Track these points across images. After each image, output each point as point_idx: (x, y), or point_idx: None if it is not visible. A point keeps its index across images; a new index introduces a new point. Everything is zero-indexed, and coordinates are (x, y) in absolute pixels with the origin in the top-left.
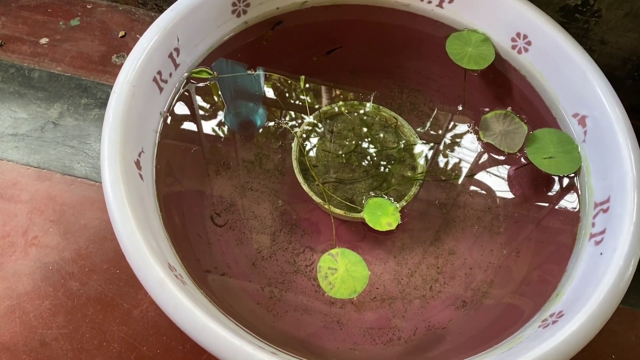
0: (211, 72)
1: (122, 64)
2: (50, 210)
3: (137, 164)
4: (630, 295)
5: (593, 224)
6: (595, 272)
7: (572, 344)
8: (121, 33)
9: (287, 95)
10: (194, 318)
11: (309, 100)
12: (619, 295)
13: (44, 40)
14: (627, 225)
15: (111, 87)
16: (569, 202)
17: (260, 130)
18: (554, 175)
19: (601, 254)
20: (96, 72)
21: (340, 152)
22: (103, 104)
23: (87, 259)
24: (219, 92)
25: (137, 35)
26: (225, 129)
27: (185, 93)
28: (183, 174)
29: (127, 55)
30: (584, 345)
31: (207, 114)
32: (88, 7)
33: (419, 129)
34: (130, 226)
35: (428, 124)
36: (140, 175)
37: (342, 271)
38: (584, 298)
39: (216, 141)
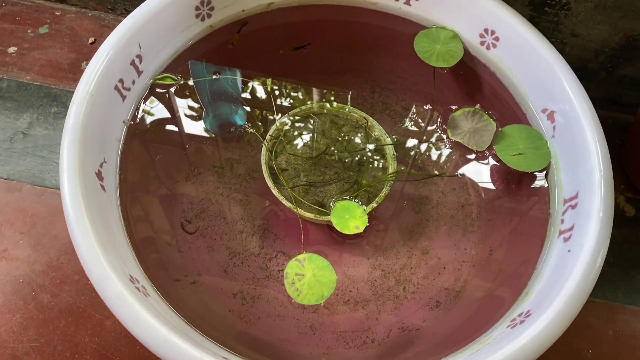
0: (175, 78)
1: None
2: (20, 222)
3: (99, 174)
4: (607, 289)
5: (562, 221)
6: (563, 269)
7: (538, 344)
8: (91, 39)
9: (256, 97)
10: (154, 331)
11: (280, 102)
12: (585, 293)
13: (12, 49)
14: (594, 221)
15: None
16: (539, 198)
17: (242, 128)
18: (524, 171)
19: (569, 251)
20: (66, 80)
21: (310, 155)
22: None
23: (59, 271)
24: (195, 96)
25: None
26: (198, 132)
27: (150, 100)
28: (150, 183)
29: None
30: (551, 344)
31: (173, 120)
32: (57, 14)
33: (390, 129)
34: (89, 239)
35: (400, 125)
36: (102, 187)
37: (309, 277)
38: (551, 297)
39: (184, 147)
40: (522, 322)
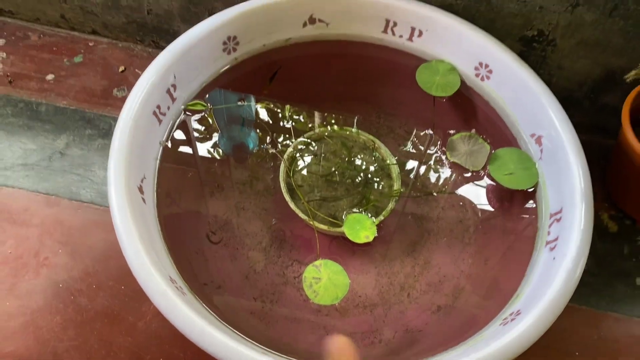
0: (205, 105)
1: (122, 97)
2: (58, 233)
3: (140, 189)
4: (592, 297)
5: (549, 233)
6: (548, 275)
7: (526, 338)
8: (121, 68)
9: (275, 121)
10: (194, 323)
11: (296, 126)
12: (568, 294)
13: (49, 77)
14: (576, 233)
15: (113, 118)
16: (529, 213)
17: (254, 151)
18: (515, 189)
19: (554, 258)
20: (99, 105)
21: (323, 173)
22: (106, 134)
23: (94, 277)
24: (214, 119)
25: (136, 70)
26: (220, 153)
27: (183, 123)
28: (181, 197)
29: (127, 88)
30: (537, 338)
31: (202, 142)
32: (90, 44)
33: (395, 151)
34: (135, 245)
35: (404, 147)
36: (143, 199)
37: (325, 280)
38: (538, 298)
39: (210, 166)
40: (512, 319)
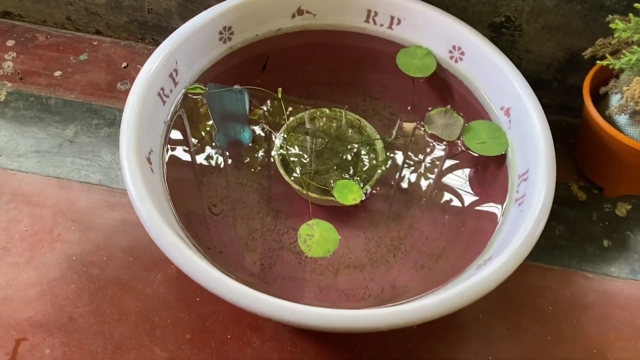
0: (204, 88)
1: (126, 90)
2: (71, 212)
3: (149, 160)
4: (564, 258)
5: (517, 191)
6: (517, 225)
7: (494, 278)
8: (124, 64)
9: (269, 105)
10: (202, 268)
11: (288, 108)
12: (533, 241)
13: (57, 73)
14: (539, 189)
15: (117, 109)
16: (500, 176)
17: (249, 144)
18: (487, 156)
19: (522, 211)
20: (104, 97)
21: (315, 149)
22: (111, 123)
23: (105, 250)
24: (211, 118)
25: (138, 65)
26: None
27: (185, 105)
28: (184, 173)
29: (130, 82)
30: (505, 278)
31: (201, 124)
32: (94, 43)
33: (380, 129)
34: (146, 203)
35: (387, 124)
36: (152, 169)
37: (317, 236)
38: (507, 245)
39: (210, 145)
40: (485, 264)
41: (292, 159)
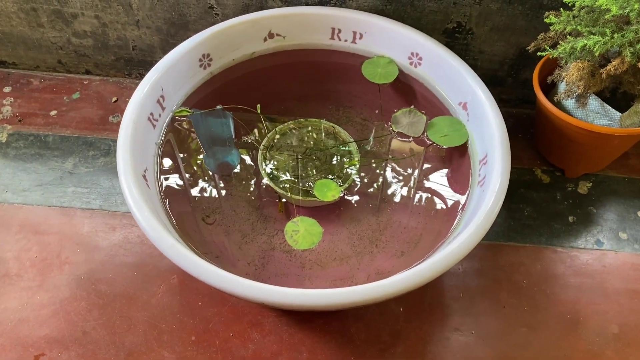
0: (189, 110)
1: (117, 122)
2: (75, 236)
3: (144, 177)
4: (533, 236)
5: (479, 174)
6: (479, 204)
7: (461, 249)
8: (114, 99)
9: (251, 123)
10: (199, 264)
11: (268, 123)
12: (494, 213)
13: (53, 113)
14: (496, 170)
15: (111, 140)
16: (463, 163)
17: (237, 166)
18: (451, 146)
19: (483, 191)
20: (98, 130)
21: (295, 157)
22: (107, 153)
23: (110, 268)
24: (198, 139)
25: (127, 99)
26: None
27: (173, 128)
28: (177, 188)
29: (121, 114)
30: (470, 251)
31: (190, 144)
32: (85, 82)
33: (354, 134)
34: (144, 211)
35: (360, 129)
36: (148, 185)
37: (302, 231)
38: (470, 221)
39: (200, 161)
40: (454, 239)
41: (275, 168)
